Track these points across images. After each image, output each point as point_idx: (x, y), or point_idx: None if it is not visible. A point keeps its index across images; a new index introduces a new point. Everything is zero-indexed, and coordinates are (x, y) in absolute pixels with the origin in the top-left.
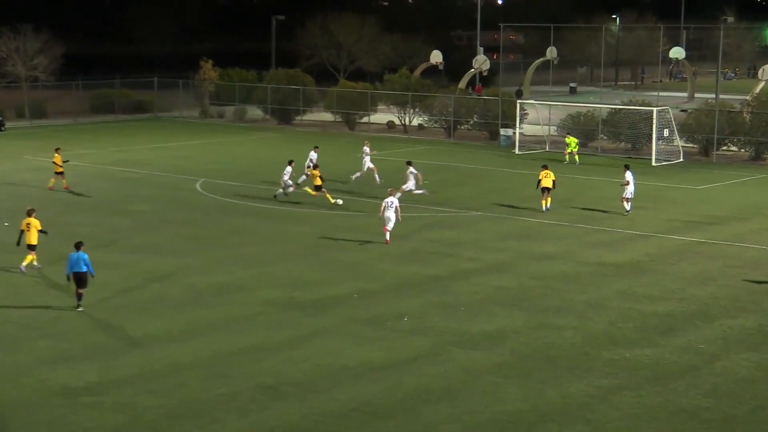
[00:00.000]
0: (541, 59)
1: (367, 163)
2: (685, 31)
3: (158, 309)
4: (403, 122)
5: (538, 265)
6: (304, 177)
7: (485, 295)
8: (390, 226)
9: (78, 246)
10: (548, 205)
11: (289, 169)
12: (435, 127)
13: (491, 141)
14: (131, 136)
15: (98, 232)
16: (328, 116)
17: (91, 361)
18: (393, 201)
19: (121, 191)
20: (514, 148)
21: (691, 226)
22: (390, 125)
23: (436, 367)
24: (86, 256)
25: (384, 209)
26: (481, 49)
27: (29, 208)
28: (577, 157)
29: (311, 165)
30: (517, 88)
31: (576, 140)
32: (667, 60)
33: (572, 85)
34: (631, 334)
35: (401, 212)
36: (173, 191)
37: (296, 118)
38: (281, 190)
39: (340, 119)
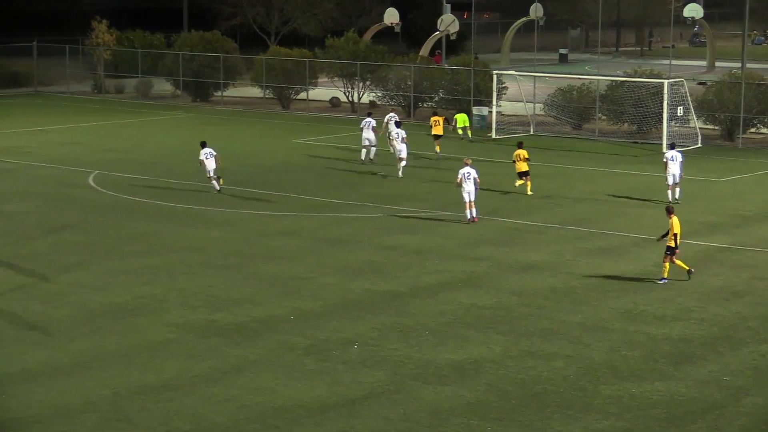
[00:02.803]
0: (524, 19)
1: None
2: None
3: (39, 337)
4: (350, 99)
5: (520, 277)
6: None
7: (455, 316)
8: (473, 197)
9: None
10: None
11: (369, 121)
12: (391, 104)
13: None
14: (5, 116)
15: None
16: (255, 91)
17: None
18: (471, 171)
19: None
20: (489, 130)
21: (711, 227)
22: (334, 103)
23: (394, 407)
24: None
25: (461, 181)
26: (448, 6)
27: None
28: (470, 132)
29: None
30: (475, 54)
31: (464, 116)
32: (681, 20)
33: (562, 51)
34: (638, 364)
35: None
36: (58, 187)
37: (215, 93)
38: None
39: (270, 95)
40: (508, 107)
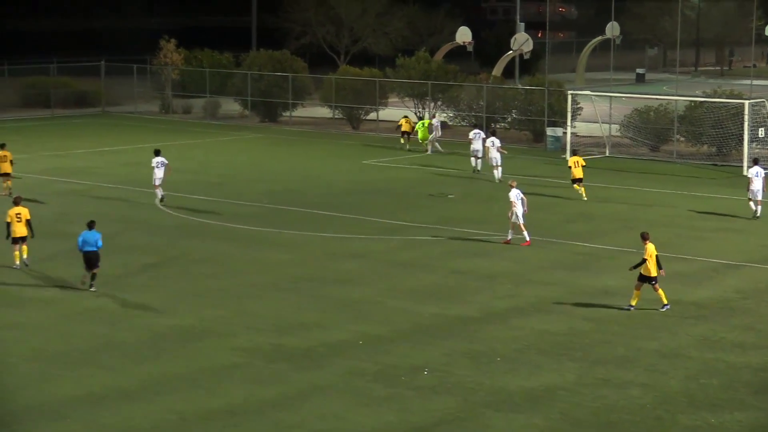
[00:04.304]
0: (600, 38)
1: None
2: None
3: (105, 360)
4: (421, 119)
5: (594, 303)
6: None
7: (527, 342)
8: (522, 220)
9: (90, 225)
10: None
11: (478, 132)
12: (462, 125)
13: (535, 143)
14: (72, 136)
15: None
16: (324, 111)
17: None
18: (520, 192)
19: (57, 207)
20: (564, 152)
21: None
22: None
23: None
24: (99, 236)
25: (514, 204)
26: (522, 25)
27: (15, 196)
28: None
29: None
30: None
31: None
32: (762, 39)
33: (639, 71)
34: (717, 392)
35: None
36: (125, 208)
37: (284, 113)
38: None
39: (340, 115)
40: (583, 128)
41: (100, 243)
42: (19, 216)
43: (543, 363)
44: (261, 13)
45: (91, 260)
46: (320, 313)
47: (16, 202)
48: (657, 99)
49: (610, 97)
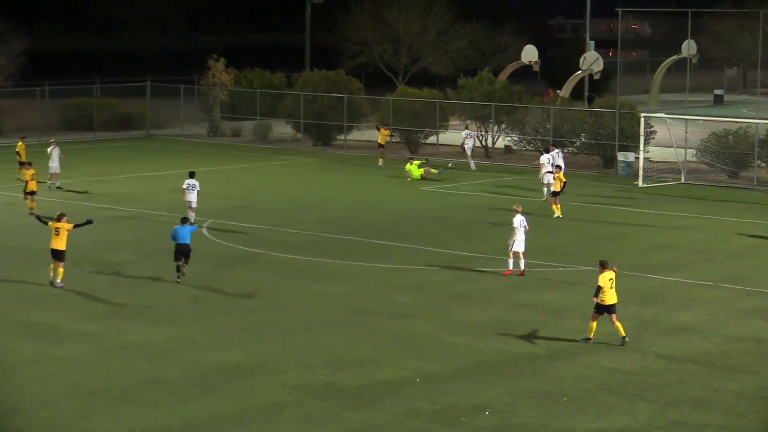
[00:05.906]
0: (675, 57)
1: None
2: None
3: (148, 397)
4: (484, 143)
5: (669, 340)
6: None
7: (596, 382)
8: (523, 248)
9: (183, 221)
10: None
11: (549, 158)
12: (528, 149)
13: (605, 169)
14: (115, 160)
15: (64, 290)
16: None
17: None
18: (524, 219)
19: (100, 235)
20: (636, 178)
21: None
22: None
23: None
24: (189, 229)
25: (516, 232)
26: (592, 43)
27: (59, 212)
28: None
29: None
30: (589, 94)
31: (416, 165)
32: None
33: (718, 92)
34: None
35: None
36: (169, 236)
37: (338, 137)
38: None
39: (398, 139)
40: (656, 153)
41: (195, 228)
42: (57, 230)
43: (613, 404)
44: (315, 30)
45: (182, 252)
46: (375, 349)
47: (59, 219)
48: (736, 122)
49: (686, 120)
